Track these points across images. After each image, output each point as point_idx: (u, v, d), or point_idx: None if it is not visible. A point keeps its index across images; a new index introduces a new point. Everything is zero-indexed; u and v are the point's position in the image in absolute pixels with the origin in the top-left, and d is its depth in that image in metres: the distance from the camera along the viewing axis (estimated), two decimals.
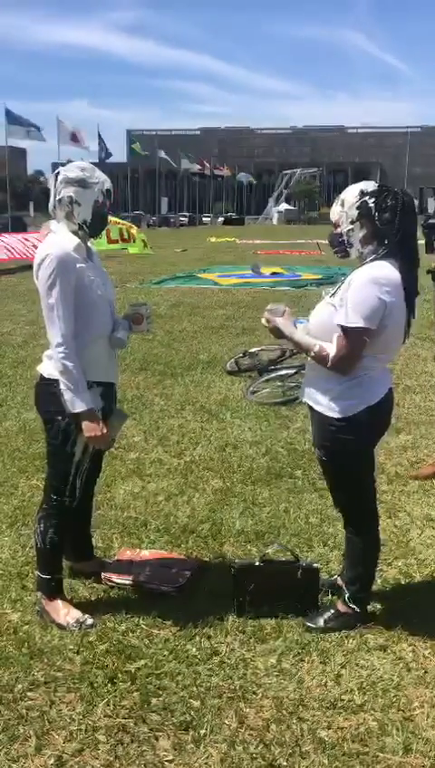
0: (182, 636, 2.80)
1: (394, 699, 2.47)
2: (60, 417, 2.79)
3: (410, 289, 2.64)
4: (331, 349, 2.61)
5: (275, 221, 75.56)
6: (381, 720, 2.37)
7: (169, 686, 2.53)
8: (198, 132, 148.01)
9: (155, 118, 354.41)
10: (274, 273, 16.23)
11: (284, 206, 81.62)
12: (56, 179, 2.77)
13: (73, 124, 31.19)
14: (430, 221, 3.88)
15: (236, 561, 3.18)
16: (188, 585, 3.16)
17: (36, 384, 2.91)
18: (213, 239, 34.28)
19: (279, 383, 6.46)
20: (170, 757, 2.22)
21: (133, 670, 2.60)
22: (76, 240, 2.76)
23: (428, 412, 5.81)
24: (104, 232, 17.24)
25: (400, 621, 2.86)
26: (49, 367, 2.81)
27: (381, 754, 2.22)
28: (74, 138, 30.59)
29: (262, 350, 7.33)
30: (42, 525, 2.93)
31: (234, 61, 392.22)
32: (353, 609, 2.86)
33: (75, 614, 2.90)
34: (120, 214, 46.71)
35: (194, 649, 2.72)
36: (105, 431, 2.79)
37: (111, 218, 22.92)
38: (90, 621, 2.87)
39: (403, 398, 6.13)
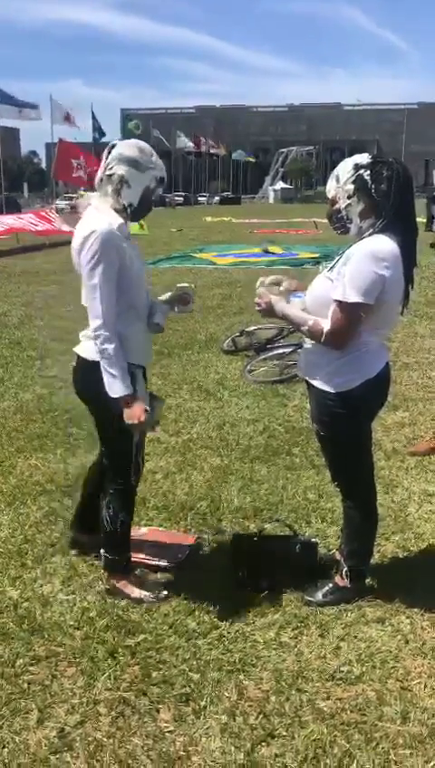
0: (182, 611, 2.82)
1: (392, 670, 2.50)
2: (113, 399, 2.67)
3: (408, 260, 2.62)
4: (325, 324, 2.60)
5: (271, 200, 75.01)
6: (380, 690, 2.39)
7: (168, 659, 2.55)
8: (194, 111, 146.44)
9: (150, 96, 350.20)
10: (284, 252, 16.14)
11: (280, 185, 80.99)
12: (109, 153, 2.65)
13: (67, 104, 30.77)
14: None
15: (235, 536, 3.20)
16: (186, 561, 3.18)
17: (76, 367, 2.81)
18: (209, 218, 34.06)
19: (276, 361, 6.46)
20: (171, 728, 2.24)
21: (133, 645, 2.62)
22: (120, 219, 2.65)
23: (425, 389, 5.81)
24: None
25: (398, 594, 2.88)
26: (90, 348, 2.71)
27: (380, 723, 2.25)
28: (68, 117, 30.19)
29: (259, 328, 7.32)
30: (111, 510, 2.88)
31: (230, 38, 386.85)
32: (351, 582, 2.88)
33: (149, 587, 2.94)
34: None
35: (194, 624, 2.74)
36: (144, 417, 2.68)
37: None
38: (164, 593, 2.90)
39: (401, 375, 6.14)
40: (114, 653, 2.58)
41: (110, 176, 2.66)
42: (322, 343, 2.63)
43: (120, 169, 2.63)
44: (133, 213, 2.71)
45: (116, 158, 2.64)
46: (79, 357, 2.78)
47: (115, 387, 2.64)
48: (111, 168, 2.65)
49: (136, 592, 2.91)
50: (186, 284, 3.10)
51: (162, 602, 2.87)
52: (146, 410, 2.69)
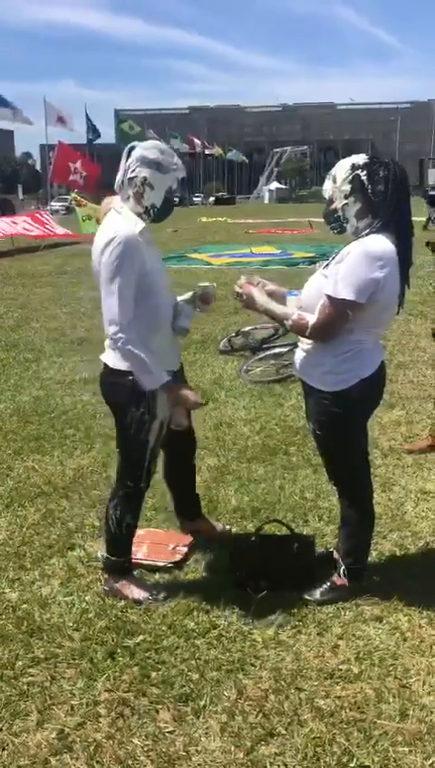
0: (180, 611, 2.82)
1: (391, 668, 2.51)
2: (133, 408, 2.72)
3: (404, 260, 2.63)
4: (310, 317, 2.61)
5: (266, 200, 75.09)
6: (379, 688, 2.40)
7: (168, 659, 2.55)
8: (187, 111, 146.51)
9: (143, 97, 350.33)
10: (279, 252, 16.11)
11: (275, 185, 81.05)
12: (129, 155, 2.65)
13: (61, 105, 30.81)
14: (431, 193, 3.84)
15: (233, 536, 3.20)
16: (184, 561, 3.18)
17: (101, 374, 2.84)
18: (204, 219, 34.07)
19: (272, 361, 6.47)
20: (171, 728, 2.25)
21: (132, 645, 2.63)
22: (142, 223, 2.66)
23: (421, 387, 5.82)
24: (94, 214, 16.95)
25: (395, 592, 2.89)
26: (114, 356, 2.72)
27: (379, 721, 2.26)
28: (60, 118, 30.22)
29: (255, 328, 7.33)
30: (118, 511, 2.89)
31: (223, 38, 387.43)
32: (349, 580, 2.89)
33: (147, 587, 2.95)
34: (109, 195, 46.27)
35: (192, 624, 2.75)
36: (195, 396, 2.81)
37: (94, 208, 22.77)
38: (163, 594, 2.90)
39: (396, 373, 6.15)
40: (113, 654, 2.59)
41: (131, 179, 2.66)
42: (307, 336, 2.65)
43: (143, 172, 2.64)
44: (156, 214, 2.73)
45: (138, 161, 2.65)
46: (104, 364, 2.81)
47: (148, 381, 2.68)
48: (132, 171, 2.66)
49: (135, 593, 2.91)
50: (207, 283, 3.11)
51: (161, 603, 2.87)
52: (193, 390, 2.79)
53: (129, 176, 2.66)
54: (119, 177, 2.69)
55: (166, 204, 2.72)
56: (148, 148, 2.67)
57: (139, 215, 2.68)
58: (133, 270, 2.59)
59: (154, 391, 2.71)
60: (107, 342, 2.76)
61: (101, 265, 2.62)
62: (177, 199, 2.83)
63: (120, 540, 2.95)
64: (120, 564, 2.97)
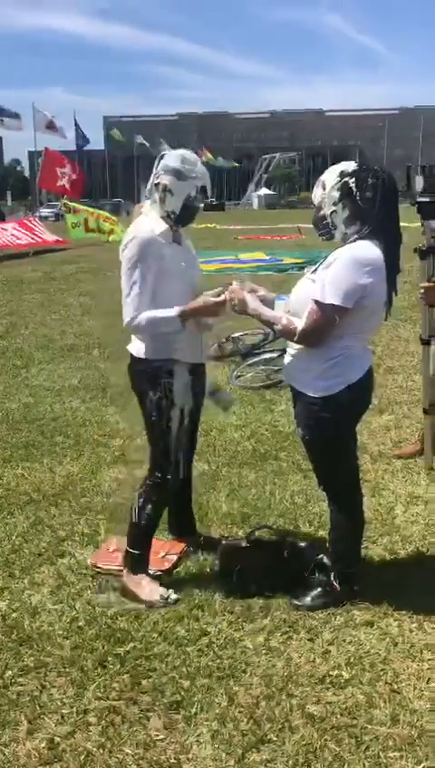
0: (171, 618, 2.81)
1: (381, 673, 2.51)
2: (151, 393, 2.89)
3: (392, 266, 2.65)
4: (299, 322, 2.63)
5: (255, 206, 75.28)
6: (369, 693, 2.40)
7: (158, 667, 2.55)
8: (176, 117, 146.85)
9: (132, 103, 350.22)
10: (269, 258, 16.14)
11: (264, 191, 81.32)
12: (158, 163, 2.83)
13: (50, 111, 30.76)
14: (420, 200, 3.86)
15: (223, 542, 3.20)
16: (174, 569, 3.18)
17: (129, 364, 3.00)
18: (193, 225, 34.11)
19: (262, 367, 6.48)
20: (162, 736, 2.24)
21: (123, 653, 2.62)
22: (164, 225, 2.82)
23: (410, 392, 5.85)
24: (82, 220, 17.12)
25: (386, 597, 2.89)
26: (136, 346, 2.92)
27: (370, 726, 2.25)
28: (50, 125, 30.19)
29: (245, 334, 7.33)
30: (141, 500, 2.99)
31: (212, 45, 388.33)
32: (340, 586, 2.89)
33: (160, 590, 2.94)
34: (99, 201, 46.31)
35: (183, 631, 2.74)
36: (218, 307, 2.84)
37: (89, 209, 22.83)
38: (174, 596, 2.92)
39: (386, 378, 6.17)
40: (104, 662, 2.58)
41: (156, 184, 2.82)
42: (295, 341, 2.67)
43: (165, 179, 2.80)
44: (176, 219, 2.86)
45: (162, 168, 2.81)
46: (130, 354, 2.97)
47: (167, 324, 2.79)
48: (157, 178, 2.82)
49: (146, 593, 2.92)
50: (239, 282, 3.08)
51: (172, 605, 2.88)
52: (216, 303, 2.83)
53: (155, 181, 2.83)
54: (149, 182, 2.87)
55: (185, 210, 2.85)
56: (172, 156, 2.85)
57: (163, 218, 2.85)
58: (148, 267, 2.76)
59: (170, 380, 2.87)
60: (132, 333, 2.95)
61: (122, 263, 2.81)
62: (210, 202, 2.94)
63: (138, 531, 3.00)
64: (136, 557, 3.00)
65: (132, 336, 2.96)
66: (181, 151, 2.90)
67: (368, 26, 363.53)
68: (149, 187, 2.86)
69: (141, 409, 2.99)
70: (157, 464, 2.98)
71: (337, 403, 2.70)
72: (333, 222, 2.68)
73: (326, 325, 2.59)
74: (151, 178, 2.85)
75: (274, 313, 2.77)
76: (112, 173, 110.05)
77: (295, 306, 2.73)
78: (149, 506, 2.98)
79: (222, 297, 2.84)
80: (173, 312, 2.80)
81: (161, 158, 2.85)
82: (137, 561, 3.01)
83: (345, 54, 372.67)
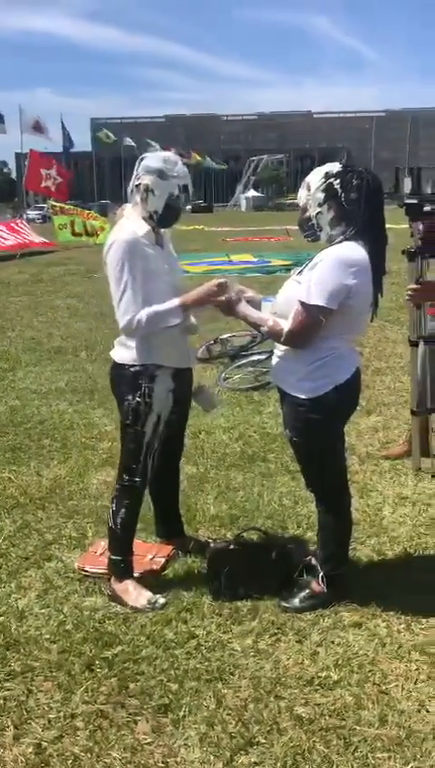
0: (159, 621, 2.81)
1: (369, 674, 2.51)
2: (129, 398, 2.88)
3: (377, 268, 2.66)
4: (285, 323, 2.63)
5: (243, 208, 75.34)
6: (357, 695, 2.40)
7: (146, 670, 2.54)
8: (164, 120, 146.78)
9: (120, 105, 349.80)
10: (256, 260, 16.16)
11: (252, 193, 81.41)
12: (139, 164, 2.82)
13: (36, 113, 30.69)
14: (408, 202, 3.86)
15: (211, 544, 3.19)
16: (162, 571, 3.16)
17: (110, 368, 3.00)
18: (182, 227, 34.12)
19: (250, 369, 6.49)
20: (150, 740, 2.23)
21: (110, 657, 2.60)
22: (147, 227, 2.81)
23: (397, 393, 5.87)
24: (69, 223, 17.07)
25: (374, 598, 2.90)
26: (119, 351, 2.92)
27: (358, 727, 2.25)
28: (37, 127, 30.10)
29: (233, 336, 7.34)
30: (114, 505, 3.00)
31: (200, 47, 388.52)
32: (328, 587, 2.89)
33: (146, 595, 2.92)
34: (87, 203, 46.22)
35: (171, 634, 2.73)
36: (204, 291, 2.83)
37: (78, 209, 22.79)
38: (162, 601, 2.90)
39: (373, 379, 6.19)
40: (91, 666, 2.56)
41: (138, 185, 2.81)
42: (282, 342, 2.68)
43: (146, 179, 2.79)
44: (159, 219, 2.85)
45: (143, 169, 2.80)
46: (112, 360, 2.97)
47: (170, 316, 2.79)
48: (138, 179, 2.81)
49: (133, 599, 2.91)
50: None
51: (159, 610, 2.87)
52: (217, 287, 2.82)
53: (135, 182, 2.82)
54: (130, 184, 2.85)
55: (168, 209, 2.84)
56: (153, 157, 2.84)
57: (145, 219, 2.82)
58: (136, 269, 2.75)
59: (152, 385, 2.87)
60: (117, 339, 2.95)
61: (107, 269, 2.80)
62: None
63: (115, 537, 3.00)
64: (117, 564, 2.99)
65: (116, 342, 2.95)
66: (161, 152, 2.90)
67: (355, 29, 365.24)
68: (130, 188, 2.85)
69: (119, 412, 2.99)
70: (126, 467, 2.98)
71: (324, 404, 2.70)
72: (318, 223, 2.68)
73: (312, 326, 2.60)
74: (132, 180, 2.83)
75: (260, 315, 2.78)
76: (100, 175, 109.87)
77: (282, 307, 2.73)
78: (123, 510, 2.97)
79: (221, 282, 2.84)
80: (174, 302, 2.80)
81: (141, 160, 2.83)
82: (120, 568, 2.99)
83: (333, 57, 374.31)
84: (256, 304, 2.88)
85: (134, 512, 3.01)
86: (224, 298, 2.81)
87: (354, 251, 2.59)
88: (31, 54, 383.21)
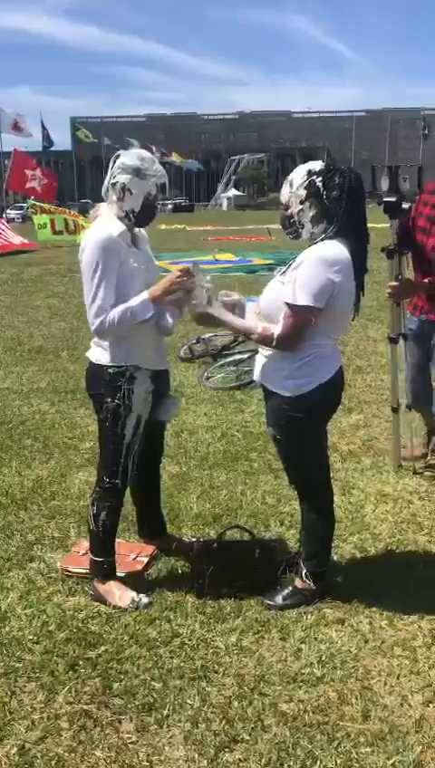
0: (142, 620, 2.80)
1: (353, 670, 2.53)
2: (108, 400, 2.85)
3: (359, 267, 2.67)
4: (275, 328, 2.63)
5: (224, 207, 75.38)
6: (341, 690, 2.42)
7: (130, 670, 2.53)
8: (144, 119, 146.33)
9: (100, 105, 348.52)
10: (238, 259, 16.17)
11: (233, 192, 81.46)
12: (114, 162, 2.77)
13: (17, 111, 30.42)
14: (386, 200, 3.88)
15: (194, 543, 3.20)
16: (144, 571, 3.16)
17: (86, 369, 2.96)
18: (163, 226, 34.06)
19: (233, 368, 6.49)
20: (134, 739, 2.23)
21: (94, 657, 2.60)
22: (122, 226, 2.76)
23: (378, 391, 5.91)
24: (49, 222, 16.91)
25: (356, 595, 2.92)
26: (96, 352, 2.88)
27: (341, 723, 2.27)
28: (16, 126, 29.87)
29: (215, 335, 7.34)
30: (94, 508, 2.97)
31: (180, 46, 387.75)
32: (311, 584, 2.91)
33: (130, 594, 2.92)
34: (67, 203, 45.97)
35: (154, 633, 2.73)
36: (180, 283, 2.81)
37: (59, 209, 22.66)
38: (145, 600, 2.90)
39: (355, 378, 6.23)
40: (75, 666, 2.55)
41: (113, 184, 2.76)
42: (273, 347, 2.67)
43: (123, 178, 2.74)
44: (136, 218, 2.81)
45: (119, 168, 2.75)
46: (89, 360, 2.93)
47: (140, 311, 2.75)
48: (114, 177, 2.76)
49: (116, 599, 2.90)
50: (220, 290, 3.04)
51: (144, 608, 2.86)
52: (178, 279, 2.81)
53: (111, 181, 2.77)
54: (105, 183, 2.80)
55: (145, 209, 2.80)
56: (129, 155, 2.78)
57: (121, 219, 2.78)
58: (112, 269, 2.71)
59: (131, 387, 2.83)
60: (93, 340, 2.90)
61: (82, 268, 2.75)
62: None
63: (97, 538, 2.98)
64: (98, 565, 2.98)
65: (92, 342, 2.91)
66: (137, 150, 2.85)
67: (334, 29, 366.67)
68: (105, 187, 2.80)
69: (96, 414, 2.96)
70: (106, 469, 2.95)
71: (308, 402, 2.71)
72: (300, 221, 2.69)
73: (302, 327, 2.61)
74: (107, 179, 2.78)
75: (248, 324, 2.76)
76: (80, 174, 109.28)
77: (265, 307, 2.74)
78: (104, 513, 2.94)
79: (185, 267, 2.83)
80: (142, 296, 2.76)
81: (116, 157, 2.78)
82: (103, 569, 2.98)
83: (313, 56, 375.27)
84: (241, 308, 2.88)
85: (116, 513, 3.00)
86: (192, 287, 2.78)
87: (336, 249, 2.61)
88: (10, 52, 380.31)
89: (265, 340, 2.68)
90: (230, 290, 2.96)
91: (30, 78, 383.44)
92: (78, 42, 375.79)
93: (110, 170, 2.78)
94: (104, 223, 2.76)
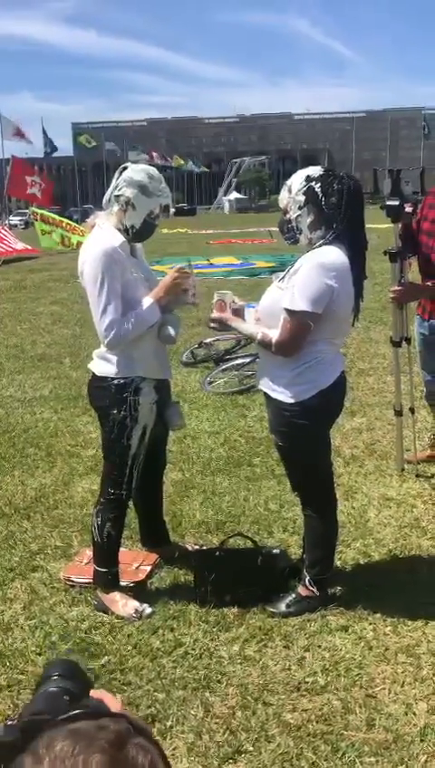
0: (145, 630, 2.79)
1: (357, 678, 2.51)
2: (114, 411, 2.83)
3: (358, 273, 2.67)
4: (274, 333, 2.63)
5: (226, 210, 75.37)
6: (345, 699, 2.40)
7: (133, 680, 2.52)
8: (145, 123, 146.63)
9: (101, 109, 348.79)
10: (240, 262, 16.14)
11: (234, 195, 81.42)
12: (120, 174, 2.76)
13: (17, 118, 30.56)
14: (388, 203, 3.87)
15: (197, 551, 3.19)
16: (147, 580, 3.15)
17: (89, 381, 2.95)
18: (165, 230, 34.08)
19: (235, 372, 6.48)
20: None
21: (97, 667, 2.59)
22: (122, 238, 2.75)
23: (381, 394, 5.89)
24: (50, 232, 16.82)
25: (360, 601, 2.90)
26: (100, 364, 2.86)
27: (346, 732, 2.26)
28: (18, 132, 29.96)
29: (217, 339, 7.33)
30: (99, 519, 2.96)
31: (180, 50, 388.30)
32: (314, 591, 2.89)
33: (133, 604, 2.91)
34: (69, 209, 46.04)
35: (157, 642, 2.72)
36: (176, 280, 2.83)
37: (58, 218, 22.67)
38: (148, 610, 2.89)
39: (357, 381, 6.21)
40: None
41: (118, 196, 2.75)
42: (273, 352, 2.67)
43: (129, 192, 2.73)
44: (135, 235, 2.80)
45: (126, 181, 2.74)
46: (92, 373, 2.91)
47: (149, 315, 2.77)
48: (119, 190, 2.75)
49: (120, 608, 2.90)
50: (225, 291, 3.03)
51: (147, 618, 2.86)
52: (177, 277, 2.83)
53: (116, 193, 2.76)
54: (108, 193, 2.79)
55: (145, 226, 2.80)
56: (137, 170, 2.77)
57: (119, 231, 2.78)
58: (117, 280, 2.70)
59: (137, 398, 2.82)
60: (95, 352, 2.89)
61: (85, 281, 2.74)
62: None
63: (101, 549, 2.97)
64: (103, 575, 2.97)
65: (95, 354, 2.90)
66: (145, 166, 2.85)
67: (335, 31, 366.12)
68: (107, 197, 2.79)
69: (101, 427, 2.95)
70: (111, 480, 2.95)
71: (309, 409, 2.70)
72: (297, 226, 2.69)
73: (300, 333, 2.60)
74: (111, 189, 2.77)
75: (252, 329, 2.77)
76: (82, 180, 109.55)
77: (264, 312, 2.73)
78: (108, 524, 2.94)
79: (180, 267, 2.84)
80: (147, 301, 2.77)
81: (123, 169, 2.78)
82: (107, 579, 2.97)
83: (313, 58, 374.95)
84: (239, 311, 2.88)
85: (120, 524, 2.99)
86: (220, 314, 2.81)
87: (334, 255, 2.60)
88: (10, 59, 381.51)
89: (266, 344, 2.69)
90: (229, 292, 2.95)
91: (31, 84, 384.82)
92: (79, 47, 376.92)
93: (114, 180, 2.77)
94: (103, 234, 2.74)
